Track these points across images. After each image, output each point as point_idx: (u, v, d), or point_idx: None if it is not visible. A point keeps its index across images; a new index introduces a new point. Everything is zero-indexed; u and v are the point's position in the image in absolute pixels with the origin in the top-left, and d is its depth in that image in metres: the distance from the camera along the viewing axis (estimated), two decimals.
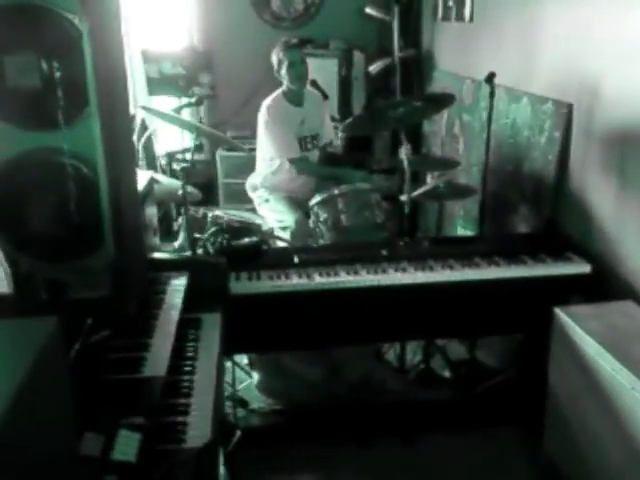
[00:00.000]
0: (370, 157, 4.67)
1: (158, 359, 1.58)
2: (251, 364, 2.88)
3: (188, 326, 1.91)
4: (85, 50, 1.62)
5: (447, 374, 3.04)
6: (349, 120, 2.80)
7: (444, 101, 2.78)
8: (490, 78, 2.73)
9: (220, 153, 4.92)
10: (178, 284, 2.02)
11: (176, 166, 3.47)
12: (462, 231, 3.69)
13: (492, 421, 2.70)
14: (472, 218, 3.58)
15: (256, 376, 2.85)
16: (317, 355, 2.87)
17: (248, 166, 4.84)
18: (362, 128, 2.96)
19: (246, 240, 2.54)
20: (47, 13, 1.59)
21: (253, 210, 3.78)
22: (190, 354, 1.77)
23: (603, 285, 2.45)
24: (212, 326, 1.96)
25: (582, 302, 2.33)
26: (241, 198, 4.58)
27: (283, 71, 3.39)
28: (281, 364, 2.83)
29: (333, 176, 3.51)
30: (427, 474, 2.47)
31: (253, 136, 4.55)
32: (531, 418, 2.47)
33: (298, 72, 3.40)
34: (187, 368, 1.69)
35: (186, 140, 4.73)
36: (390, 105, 2.71)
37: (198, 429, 1.44)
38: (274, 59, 3.40)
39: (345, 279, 2.40)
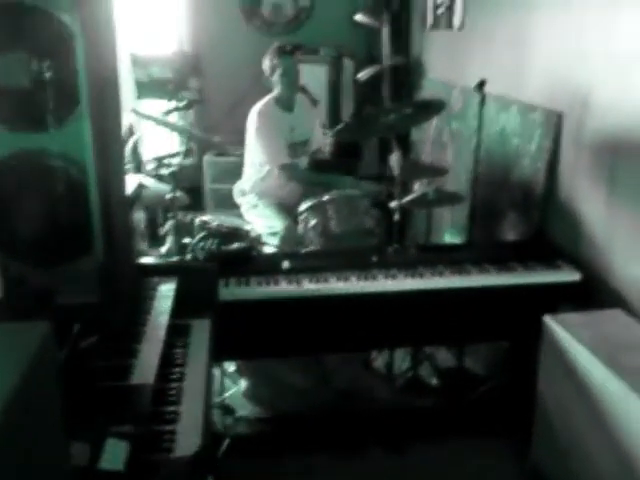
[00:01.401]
0: (359, 164, 4.67)
1: (146, 366, 1.55)
2: (239, 371, 2.85)
3: (177, 332, 1.88)
4: (77, 50, 1.60)
5: (435, 382, 3.03)
6: (340, 126, 2.79)
7: (434, 108, 2.78)
8: (480, 86, 2.73)
9: (208, 158, 4.90)
10: (167, 290, 2.00)
11: (164, 171, 3.44)
12: (450, 238, 3.69)
13: (480, 430, 2.69)
14: (460, 225, 3.58)
15: (244, 383, 2.82)
16: (305, 363, 2.85)
17: (236, 171, 4.80)
18: (352, 134, 2.95)
19: (235, 245, 2.51)
20: (38, 13, 1.57)
21: (241, 216, 3.75)
22: (179, 361, 1.74)
23: (592, 293, 2.46)
24: (201, 332, 1.93)
25: (571, 310, 2.33)
26: (228, 203, 4.54)
27: (276, 77, 3.37)
28: (269, 371, 2.81)
29: (322, 182, 3.49)
30: None
31: (241, 142, 4.53)
32: (519, 427, 2.47)
33: (292, 79, 3.40)
34: (176, 375, 1.66)
35: (174, 145, 4.71)
36: (381, 112, 2.71)
37: (187, 438, 1.41)
38: (266, 64, 3.38)
39: (334, 286, 2.38)
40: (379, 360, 3.05)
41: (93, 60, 1.62)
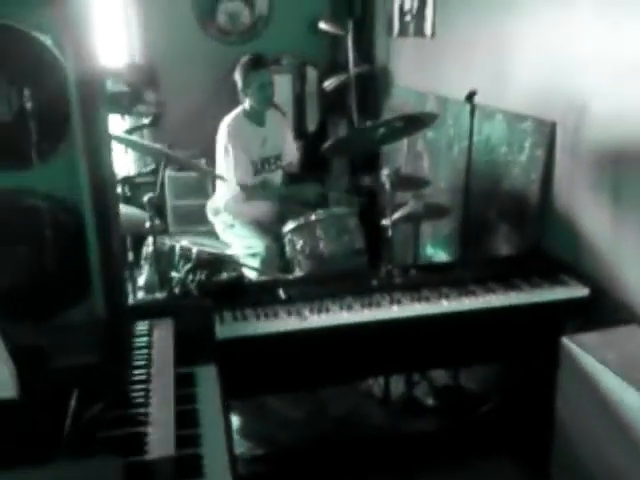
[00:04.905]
0: (327, 177, 4.53)
1: (163, 434, 1.35)
2: (230, 408, 2.66)
3: (181, 384, 1.67)
4: (60, 75, 1.40)
5: (431, 402, 2.92)
6: (330, 142, 2.64)
7: (426, 121, 2.67)
8: (471, 96, 2.64)
9: (169, 174, 4.65)
10: (164, 335, 1.79)
11: (132, 193, 3.20)
12: (433, 252, 3.59)
13: (487, 451, 2.59)
14: (443, 238, 3.49)
15: (236, 420, 2.63)
16: (300, 393, 2.68)
17: (198, 187, 4.61)
18: (342, 149, 2.81)
19: (226, 275, 2.31)
20: (14, 34, 1.36)
21: (208, 234, 3.55)
22: (192, 420, 1.53)
23: (598, 308, 2.38)
24: (209, 381, 1.72)
25: (579, 326, 2.26)
26: (191, 220, 4.35)
27: (250, 91, 3.19)
28: (262, 405, 2.63)
29: (286, 195, 3.36)
30: None
31: (202, 155, 4.32)
32: (526, 446, 2.38)
33: (268, 94, 3.24)
34: (192, 440, 1.45)
35: (131, 164, 4.46)
36: (372, 127, 2.57)
37: None
38: (238, 77, 3.20)
39: (339, 316, 2.21)
40: (375, 384, 2.91)
41: (79, 85, 1.41)
